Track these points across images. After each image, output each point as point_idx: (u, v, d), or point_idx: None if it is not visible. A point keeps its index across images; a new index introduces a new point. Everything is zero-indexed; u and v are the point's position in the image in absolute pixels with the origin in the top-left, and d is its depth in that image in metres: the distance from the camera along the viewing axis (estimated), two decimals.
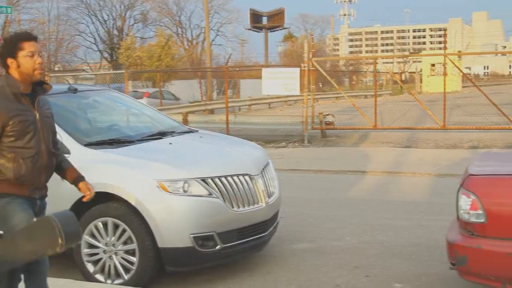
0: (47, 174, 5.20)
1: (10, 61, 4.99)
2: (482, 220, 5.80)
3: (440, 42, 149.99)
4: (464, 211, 5.95)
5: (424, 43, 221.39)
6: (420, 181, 14.12)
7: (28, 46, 4.99)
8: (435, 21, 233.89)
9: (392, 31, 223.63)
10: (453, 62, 25.97)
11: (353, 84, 75.52)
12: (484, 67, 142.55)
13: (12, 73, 5.00)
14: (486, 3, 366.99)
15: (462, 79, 61.05)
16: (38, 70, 5.01)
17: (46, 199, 5.35)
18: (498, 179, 6.08)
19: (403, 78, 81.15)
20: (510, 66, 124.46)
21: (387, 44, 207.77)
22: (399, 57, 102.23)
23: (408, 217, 10.48)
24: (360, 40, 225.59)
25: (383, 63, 70.66)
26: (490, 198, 5.84)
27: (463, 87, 62.61)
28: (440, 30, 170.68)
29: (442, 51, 28.54)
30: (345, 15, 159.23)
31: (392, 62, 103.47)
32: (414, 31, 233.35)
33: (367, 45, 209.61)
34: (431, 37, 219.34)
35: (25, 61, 4.96)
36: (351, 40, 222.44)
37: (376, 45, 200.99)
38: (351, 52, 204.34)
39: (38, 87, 5.14)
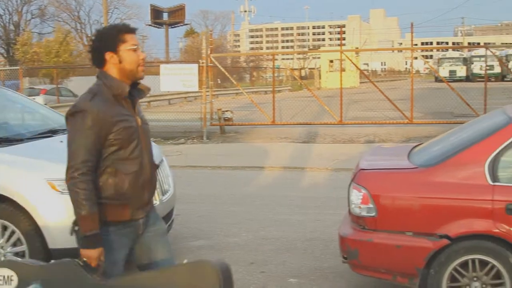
0: (150, 191, 4.45)
1: (109, 55, 4.21)
2: (372, 214, 5.89)
3: (338, 39, 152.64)
4: (355, 205, 6.03)
5: (323, 39, 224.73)
6: (317, 176, 14.26)
7: (130, 39, 4.25)
8: (334, 18, 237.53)
9: (292, 28, 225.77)
10: (349, 58, 26.41)
11: (254, 80, 75.89)
12: (382, 63, 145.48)
13: (109, 71, 4.24)
14: (383, 1, 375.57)
15: (360, 75, 62.20)
16: (142, 66, 4.31)
17: None
18: (387, 173, 6.20)
19: (303, 74, 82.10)
20: (406, 62, 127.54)
21: (287, 41, 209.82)
22: (299, 53, 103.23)
23: (305, 212, 10.58)
24: (261, 36, 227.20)
25: (283, 59, 71.26)
26: (380, 192, 5.93)
27: (360, 83, 63.83)
28: (338, 27, 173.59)
29: (339, 48, 28.96)
30: (245, 11, 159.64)
31: (292, 58, 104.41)
32: (313, 27, 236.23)
33: (267, 42, 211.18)
34: (330, 33, 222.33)
35: (128, 55, 4.22)
36: (252, 37, 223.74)
37: (276, 41, 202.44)
38: (252, 49, 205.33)
39: (133, 89, 4.35)
